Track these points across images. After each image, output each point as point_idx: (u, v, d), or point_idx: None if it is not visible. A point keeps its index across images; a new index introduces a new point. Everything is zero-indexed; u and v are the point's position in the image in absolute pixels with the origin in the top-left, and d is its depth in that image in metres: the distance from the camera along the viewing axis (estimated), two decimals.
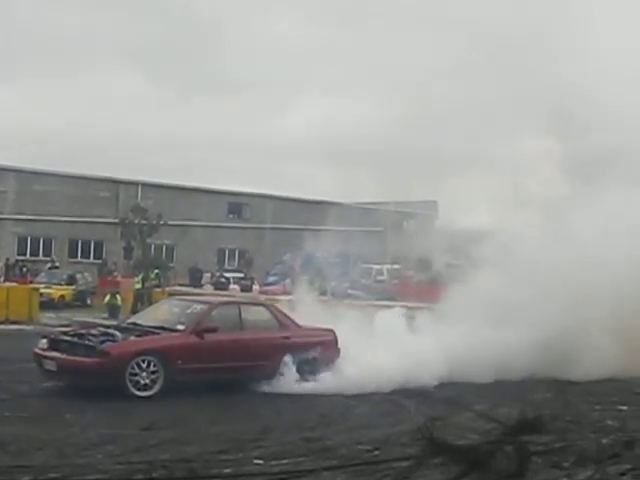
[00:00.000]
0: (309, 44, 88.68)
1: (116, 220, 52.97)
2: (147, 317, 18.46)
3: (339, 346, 18.10)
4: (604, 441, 12.37)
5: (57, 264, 49.22)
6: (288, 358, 17.17)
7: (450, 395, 16.34)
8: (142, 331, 16.97)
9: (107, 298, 37.25)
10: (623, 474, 10.41)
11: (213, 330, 16.73)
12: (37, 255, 51.65)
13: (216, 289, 38.82)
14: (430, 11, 77.68)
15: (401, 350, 18.09)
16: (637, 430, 13.25)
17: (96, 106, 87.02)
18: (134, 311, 31.31)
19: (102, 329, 17.50)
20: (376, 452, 11.50)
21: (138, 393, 15.51)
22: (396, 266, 45.50)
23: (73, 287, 44.00)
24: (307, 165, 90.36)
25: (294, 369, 17.15)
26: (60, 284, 43.39)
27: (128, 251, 52.28)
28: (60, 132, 78.73)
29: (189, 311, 17.59)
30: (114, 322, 21.73)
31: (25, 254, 50.72)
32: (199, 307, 17.73)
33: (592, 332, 19.09)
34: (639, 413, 15.05)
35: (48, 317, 33.08)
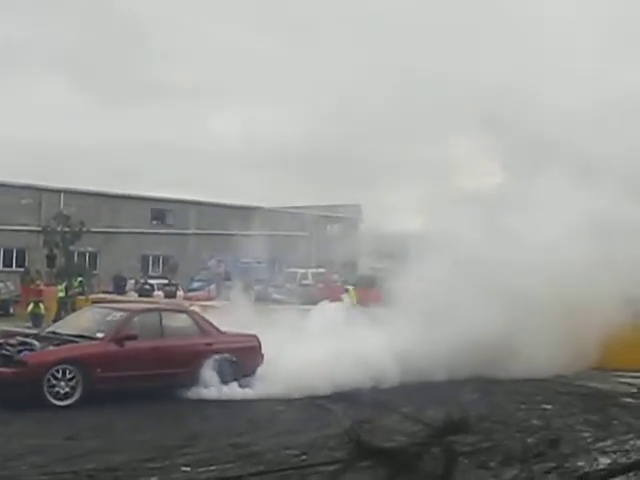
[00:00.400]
0: (237, 53, 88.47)
1: (39, 228, 52.49)
2: (68, 325, 18.19)
3: (262, 351, 17.92)
4: (529, 440, 12.51)
5: None
6: (210, 364, 16.96)
7: (378, 398, 16.32)
8: (61, 340, 16.69)
9: (30, 307, 36.82)
10: (548, 472, 10.53)
11: (133, 337, 16.57)
12: None
13: (140, 296, 38.53)
14: (355, 24, 78.11)
15: (333, 352, 17.95)
16: (561, 429, 13.42)
17: (18, 113, 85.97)
18: (57, 320, 30.94)
19: (20, 338, 17.11)
20: (303, 457, 11.47)
21: (57, 402, 15.26)
22: (321, 270, 45.65)
23: None
24: (235, 171, 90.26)
25: (217, 375, 16.94)
26: None
27: (51, 259, 51.75)
28: None
29: (109, 319, 17.32)
30: (36, 331, 21.24)
31: None
32: (119, 315, 17.46)
33: (525, 332, 19.15)
34: (563, 412, 15.25)
35: None
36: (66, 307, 36.43)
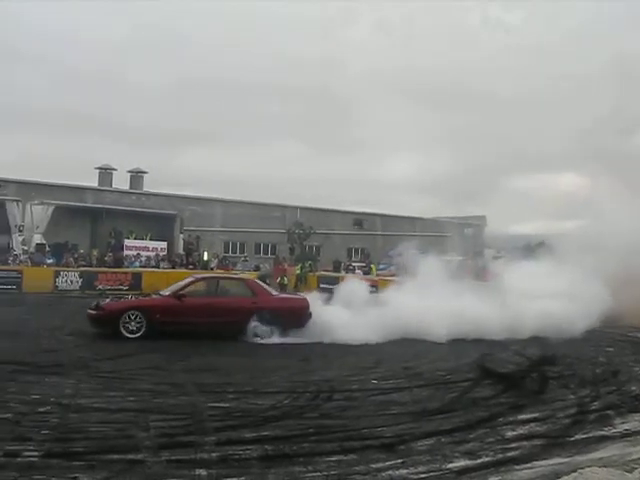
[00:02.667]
0: (406, 119, 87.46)
1: (284, 230, 53.60)
2: (167, 288, 17.34)
3: (309, 310, 15.89)
4: (597, 371, 12.07)
5: (248, 258, 50.12)
6: (255, 317, 15.47)
7: (497, 340, 15.98)
8: (146, 295, 17.09)
9: (278, 279, 37.68)
10: (610, 393, 10.17)
11: (182, 296, 15.72)
12: (236, 252, 52.62)
13: (346, 273, 38.74)
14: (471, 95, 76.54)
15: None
16: (619, 364, 12.87)
17: (270, 161, 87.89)
18: (296, 287, 31.47)
19: (130, 295, 17.52)
20: (449, 376, 11.44)
21: (128, 335, 15.18)
22: (460, 258, 44.85)
23: (257, 272, 44.59)
24: (403, 194, 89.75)
25: (261, 325, 15.42)
26: (249, 270, 44.10)
27: (292, 250, 52.79)
28: (248, 176, 79.97)
29: (180, 283, 16.85)
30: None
31: (228, 252, 51.73)
32: (187, 280, 16.93)
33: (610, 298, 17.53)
34: (620, 353, 14.60)
35: None
36: (301, 280, 37.00)
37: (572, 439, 7.56)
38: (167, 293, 16.32)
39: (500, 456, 6.88)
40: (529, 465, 6.63)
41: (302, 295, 17.22)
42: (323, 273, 37.92)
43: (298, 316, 15.77)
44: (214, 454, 6.60)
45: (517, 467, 6.57)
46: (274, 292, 17.19)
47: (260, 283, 17.42)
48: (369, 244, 59.37)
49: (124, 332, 15.27)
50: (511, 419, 8.35)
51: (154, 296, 16.62)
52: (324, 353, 13.84)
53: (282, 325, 15.48)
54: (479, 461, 6.71)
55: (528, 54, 72.92)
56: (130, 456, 6.49)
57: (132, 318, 15.36)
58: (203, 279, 17.64)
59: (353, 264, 45.06)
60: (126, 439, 7.06)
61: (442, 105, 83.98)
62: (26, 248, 34.21)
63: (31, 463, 6.18)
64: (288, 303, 16.53)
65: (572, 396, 9.77)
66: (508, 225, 26.75)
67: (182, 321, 15.31)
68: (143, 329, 15.32)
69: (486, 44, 79.44)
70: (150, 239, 39.94)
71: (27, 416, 7.86)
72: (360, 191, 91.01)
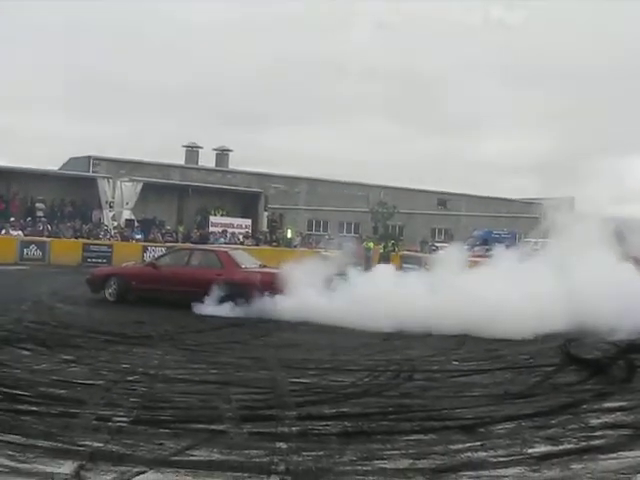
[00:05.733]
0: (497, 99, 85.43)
1: (367, 210, 53.59)
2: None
3: (278, 284, 15.28)
4: None
5: (332, 236, 50.41)
6: (215, 288, 15.50)
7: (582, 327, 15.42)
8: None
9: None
10: None
11: (152, 265, 17.36)
12: (319, 231, 52.94)
13: (429, 253, 38.43)
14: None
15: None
16: None
17: (355, 140, 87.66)
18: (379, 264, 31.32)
19: None
20: (532, 360, 11.24)
21: (109, 298, 16.85)
22: (546, 240, 43.89)
23: (340, 250, 44.84)
24: (494, 175, 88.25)
25: (221, 296, 15.40)
26: (332, 248, 44.41)
27: (375, 229, 52.79)
28: (333, 155, 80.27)
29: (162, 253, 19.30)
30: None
31: (312, 230, 52.10)
32: (164, 251, 19.15)
33: None
34: None
35: None
36: (384, 258, 36.98)
37: None
38: (146, 262, 18.66)
39: (584, 444, 6.71)
40: (614, 455, 6.43)
41: (275, 270, 16.48)
42: (406, 252, 37.73)
43: (269, 288, 15.40)
44: (294, 428, 6.71)
45: (601, 456, 6.37)
46: (245, 266, 16.95)
47: (232, 256, 17.31)
48: (453, 224, 58.77)
49: (107, 296, 16.97)
50: (596, 407, 8.12)
51: (137, 264, 19.31)
52: (405, 333, 13.76)
53: (238, 295, 15.36)
54: (561, 447, 6.57)
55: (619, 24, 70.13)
56: (213, 426, 6.66)
57: (112, 284, 16.96)
58: (179, 250, 19.66)
59: (436, 244, 44.73)
60: (209, 410, 7.26)
61: (529, 84, 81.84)
62: (116, 224, 35.44)
63: (121, 428, 6.44)
64: (255, 277, 16.00)
65: None
66: (599, 207, 25.60)
67: (155, 288, 16.55)
68: (120, 294, 16.84)
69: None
70: (228, 215, 40.56)
71: (117, 384, 8.20)
72: (445, 171, 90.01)
